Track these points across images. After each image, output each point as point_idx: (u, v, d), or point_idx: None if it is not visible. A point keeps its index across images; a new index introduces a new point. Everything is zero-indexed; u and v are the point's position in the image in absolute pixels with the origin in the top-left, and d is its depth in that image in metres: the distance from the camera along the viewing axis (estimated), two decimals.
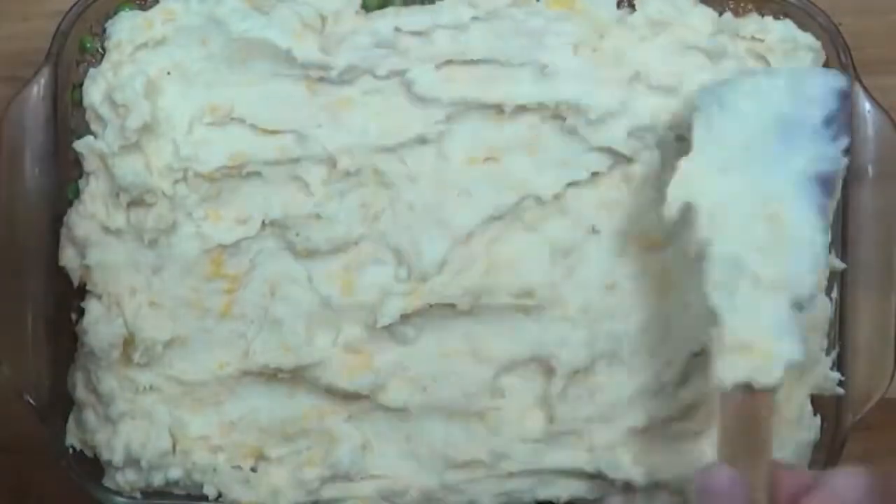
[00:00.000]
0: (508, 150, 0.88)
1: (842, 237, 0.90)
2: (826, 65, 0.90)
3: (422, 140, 0.88)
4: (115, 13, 0.90)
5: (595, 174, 0.88)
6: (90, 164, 0.88)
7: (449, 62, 0.88)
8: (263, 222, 0.88)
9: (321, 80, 0.88)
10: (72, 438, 0.90)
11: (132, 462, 0.89)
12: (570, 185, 0.88)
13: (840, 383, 0.89)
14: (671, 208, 0.81)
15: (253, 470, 0.90)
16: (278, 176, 0.88)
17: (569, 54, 0.88)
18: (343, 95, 0.88)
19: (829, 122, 0.80)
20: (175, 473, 0.89)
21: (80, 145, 0.88)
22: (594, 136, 0.87)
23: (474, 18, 0.88)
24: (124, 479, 0.90)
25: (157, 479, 0.90)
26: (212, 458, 0.90)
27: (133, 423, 0.89)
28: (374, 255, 0.88)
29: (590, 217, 0.88)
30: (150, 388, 0.90)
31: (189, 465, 0.89)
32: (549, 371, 0.89)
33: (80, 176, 0.90)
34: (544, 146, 0.88)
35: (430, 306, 0.88)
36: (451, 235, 0.88)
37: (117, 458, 0.89)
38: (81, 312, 0.90)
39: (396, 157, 0.88)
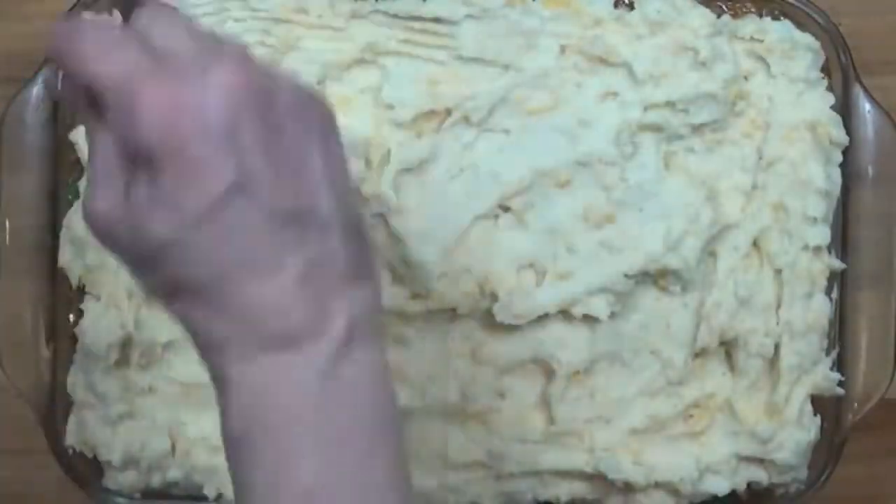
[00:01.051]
0: (492, 153, 0.88)
1: (842, 237, 0.90)
2: (826, 65, 0.91)
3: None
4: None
5: (588, 175, 0.88)
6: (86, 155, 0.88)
7: (438, 62, 0.88)
8: None
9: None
10: (71, 439, 0.90)
11: (132, 463, 0.89)
12: (564, 184, 0.88)
13: (840, 383, 0.89)
14: None
15: None
16: None
17: (555, 55, 0.88)
18: (341, 94, 0.88)
19: None
20: (175, 474, 0.89)
21: (75, 134, 0.88)
22: (585, 136, 0.88)
23: (468, 16, 0.88)
24: (124, 479, 0.90)
25: (157, 480, 0.90)
26: (211, 459, 0.89)
27: (132, 424, 0.89)
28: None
29: (589, 217, 0.88)
30: (150, 389, 0.89)
31: (189, 466, 0.89)
32: (549, 372, 0.89)
33: (81, 176, 0.90)
34: (535, 147, 0.88)
35: (430, 311, 0.88)
36: (447, 241, 0.88)
37: (117, 458, 0.89)
38: (81, 313, 0.90)
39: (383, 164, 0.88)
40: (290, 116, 0.54)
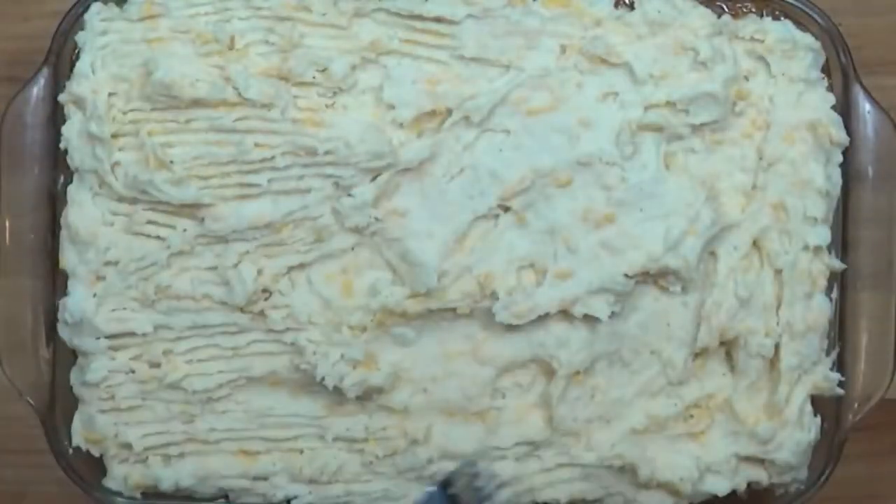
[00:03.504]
0: (492, 152, 0.88)
1: (842, 237, 0.90)
2: (826, 65, 0.91)
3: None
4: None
5: (588, 175, 0.88)
6: (76, 159, 0.89)
7: (439, 62, 0.88)
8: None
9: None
10: (77, 438, 0.90)
11: (134, 462, 0.89)
12: (564, 184, 0.88)
13: (840, 383, 0.89)
14: None
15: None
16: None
17: (555, 56, 0.88)
18: (339, 99, 0.89)
19: None
20: (178, 473, 0.89)
21: (65, 140, 0.89)
22: (585, 136, 0.88)
23: (469, 16, 0.88)
24: (126, 478, 0.90)
25: (159, 479, 0.90)
26: (210, 459, 0.89)
27: (134, 424, 0.89)
28: (371, 259, 0.88)
29: (589, 217, 0.88)
30: (153, 390, 0.89)
31: (191, 466, 0.89)
32: (549, 372, 0.89)
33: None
34: (535, 147, 0.88)
35: (430, 311, 0.88)
36: (447, 241, 0.88)
37: (119, 457, 0.89)
38: None
39: (384, 163, 0.88)
40: None
